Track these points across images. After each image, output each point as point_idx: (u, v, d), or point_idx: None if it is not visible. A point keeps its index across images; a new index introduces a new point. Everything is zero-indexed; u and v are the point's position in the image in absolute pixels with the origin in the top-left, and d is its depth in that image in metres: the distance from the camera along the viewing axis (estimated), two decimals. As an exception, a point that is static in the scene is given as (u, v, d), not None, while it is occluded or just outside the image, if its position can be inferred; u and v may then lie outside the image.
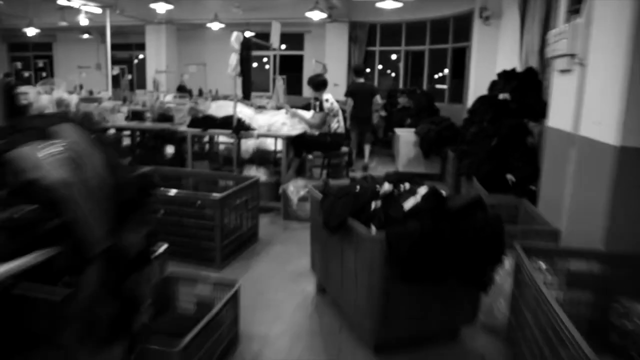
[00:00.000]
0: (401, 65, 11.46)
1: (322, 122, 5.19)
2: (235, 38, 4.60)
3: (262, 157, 6.05)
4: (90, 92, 8.84)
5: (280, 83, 6.37)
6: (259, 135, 4.93)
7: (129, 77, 12.74)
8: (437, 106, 9.08)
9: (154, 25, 12.59)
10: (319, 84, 5.35)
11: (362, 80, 7.63)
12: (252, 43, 4.89)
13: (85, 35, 13.48)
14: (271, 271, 3.61)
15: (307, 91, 12.98)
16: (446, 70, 10.71)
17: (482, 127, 5.18)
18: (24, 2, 11.05)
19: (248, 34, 11.54)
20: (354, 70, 7.94)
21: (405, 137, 7.19)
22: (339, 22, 11.24)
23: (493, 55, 7.45)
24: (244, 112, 5.83)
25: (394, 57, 11.93)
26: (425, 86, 10.81)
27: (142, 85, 13.15)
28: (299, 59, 12.54)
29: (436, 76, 11.40)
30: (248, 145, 5.67)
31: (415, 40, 11.27)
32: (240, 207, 3.79)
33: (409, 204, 2.29)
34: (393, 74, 12.29)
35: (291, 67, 12.04)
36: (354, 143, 7.32)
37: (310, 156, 6.14)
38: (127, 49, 14.37)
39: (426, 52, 10.89)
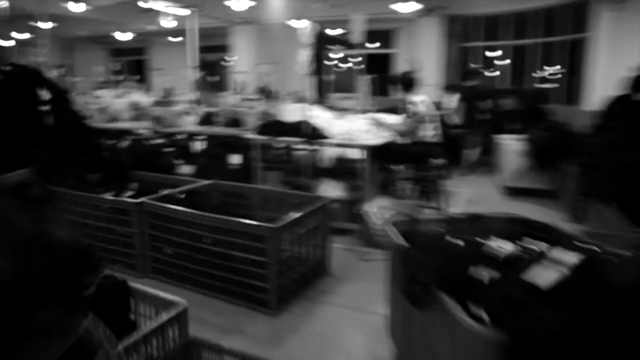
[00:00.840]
0: (503, 62, 10.15)
1: (411, 128, 4.33)
2: (307, 30, 3.91)
3: (342, 169, 5.33)
4: (165, 96, 8.69)
5: (365, 83, 5.59)
6: (337, 144, 4.20)
7: (216, 78, 12.65)
8: (547, 108, 7.74)
9: (239, 25, 12.40)
10: (408, 82, 4.49)
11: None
12: (328, 37, 4.15)
13: (174, 39, 13.68)
14: (341, 320, 2.86)
15: (394, 92, 12.11)
16: (557, 67, 9.24)
17: (621, 135, 4.01)
18: (114, 8, 11.32)
19: (331, 31, 10.92)
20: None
21: (511, 145, 6.06)
22: (432, 16, 10.19)
23: (627, 45, 6.08)
24: (321, 116, 5.15)
25: (491, 53, 10.61)
26: (529, 85, 9.43)
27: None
28: (389, 58, 11.65)
29: (543, 74, 9.93)
30: (328, 154, 4.98)
31: (520, 33, 9.89)
32: (306, 236, 3.08)
33: (546, 277, 1.40)
34: (494, 72, 10.97)
35: (380, 67, 11.18)
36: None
37: (399, 167, 5.34)
38: (216, 51, 14.41)
39: (535, 47, 9.49)
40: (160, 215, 3.15)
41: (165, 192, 3.48)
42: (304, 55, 4.01)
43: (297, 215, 3.00)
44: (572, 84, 8.87)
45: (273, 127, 4.45)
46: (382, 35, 11.61)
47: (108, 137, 5.36)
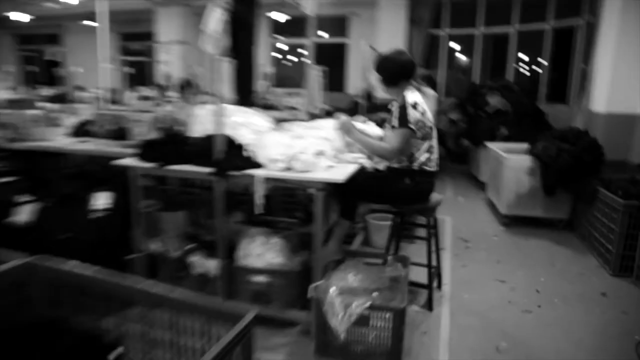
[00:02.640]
0: (477, 53, 8.70)
1: (400, 147, 2.63)
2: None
3: (285, 206, 3.58)
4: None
5: (314, 74, 3.85)
6: (272, 179, 2.43)
7: (132, 71, 10.47)
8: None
9: (163, 7, 10.34)
10: (397, 71, 2.74)
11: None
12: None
13: (93, 23, 11.41)
14: None
15: (352, 87, 10.54)
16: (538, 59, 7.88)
17: None
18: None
19: (281, 16, 9.11)
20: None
21: (514, 162, 4.51)
22: (395, -1, 8.60)
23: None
24: (253, 125, 3.41)
25: (455, 45, 9.16)
26: (511, 79, 8.02)
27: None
28: (342, 50, 9.97)
29: (525, 67, 8.56)
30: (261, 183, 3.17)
31: (497, 19, 8.49)
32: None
33: None
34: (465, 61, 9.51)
35: (333, 59, 9.48)
36: None
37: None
38: (143, 39, 12.24)
39: (512, 36, 8.09)
40: None
41: None
42: (213, 22, 2.23)
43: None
44: (558, 80, 7.52)
45: (163, 148, 2.62)
46: (337, 23, 9.93)
47: None
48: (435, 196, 2.84)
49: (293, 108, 7.31)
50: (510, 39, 8.13)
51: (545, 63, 7.59)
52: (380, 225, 3.84)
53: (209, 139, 2.55)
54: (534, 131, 5.77)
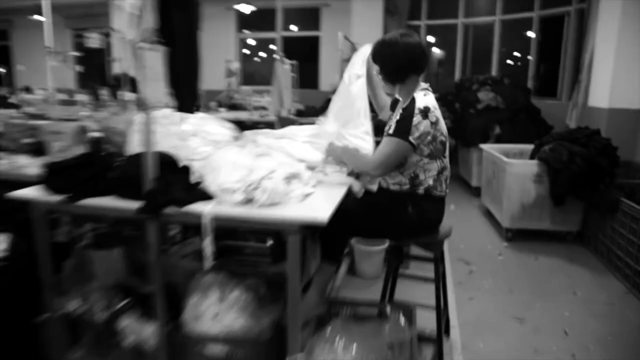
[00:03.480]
0: (458, 45, 8.14)
1: (384, 163, 1.96)
2: None
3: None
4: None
5: (284, 70, 3.15)
6: (221, 219, 1.73)
7: (81, 69, 9.50)
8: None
9: None
10: (404, 62, 2.02)
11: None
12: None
13: (41, 17, 10.41)
14: None
15: (325, 84, 9.84)
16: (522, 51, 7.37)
17: None
18: None
19: (246, 8, 8.34)
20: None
21: (518, 168, 3.91)
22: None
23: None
24: (209, 134, 2.75)
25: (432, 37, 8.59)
26: (495, 72, 7.49)
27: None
28: (314, 43, 9.27)
29: (511, 60, 8.05)
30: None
31: (479, 9, 7.97)
32: None
33: None
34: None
35: (304, 54, 8.77)
36: None
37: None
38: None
39: (496, 25, 7.55)
40: None
41: None
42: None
43: None
44: (548, 73, 7.03)
45: (76, 173, 1.89)
46: (308, 15, 9.24)
47: None
48: (444, 227, 2.19)
49: (263, 108, 6.60)
50: (495, 30, 7.59)
51: (531, 57, 7.08)
52: (369, 251, 3.18)
53: (138, 160, 1.82)
54: (529, 130, 5.23)
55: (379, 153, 2.00)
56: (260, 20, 9.26)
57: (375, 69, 2.10)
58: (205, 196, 1.79)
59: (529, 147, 4.60)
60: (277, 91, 3.77)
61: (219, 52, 8.80)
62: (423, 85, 2.03)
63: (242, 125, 6.52)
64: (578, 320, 2.78)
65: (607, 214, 3.48)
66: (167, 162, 1.90)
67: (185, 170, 1.96)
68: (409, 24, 8.23)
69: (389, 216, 2.04)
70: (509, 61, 8.00)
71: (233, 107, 7.24)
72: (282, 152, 2.25)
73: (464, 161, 5.86)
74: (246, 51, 10.07)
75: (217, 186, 1.78)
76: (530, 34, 7.12)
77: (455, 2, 8.01)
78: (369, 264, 3.22)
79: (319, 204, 1.77)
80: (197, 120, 2.83)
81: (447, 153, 2.04)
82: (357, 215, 2.02)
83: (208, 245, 1.68)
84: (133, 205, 1.75)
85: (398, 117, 1.98)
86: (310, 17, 9.33)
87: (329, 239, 2.05)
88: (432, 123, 1.92)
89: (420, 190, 2.00)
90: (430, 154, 1.96)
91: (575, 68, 5.92)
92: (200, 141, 2.72)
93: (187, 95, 1.92)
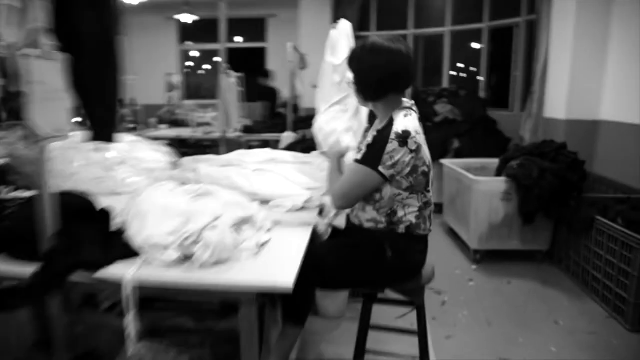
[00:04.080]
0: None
1: (345, 195, 1.61)
2: None
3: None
4: None
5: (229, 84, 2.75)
6: (147, 287, 1.31)
7: None
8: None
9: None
10: (386, 76, 1.64)
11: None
12: None
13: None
14: None
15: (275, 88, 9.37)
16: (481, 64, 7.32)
17: None
18: None
19: (188, 18, 7.84)
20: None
21: (486, 186, 3.68)
22: (318, -2, 7.69)
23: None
24: (140, 162, 2.36)
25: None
26: (446, 84, 7.39)
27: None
28: (260, 55, 8.89)
29: (462, 72, 8.00)
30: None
31: (429, 21, 7.87)
32: None
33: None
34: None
35: (251, 66, 8.36)
36: None
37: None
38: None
39: (446, 37, 7.47)
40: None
41: None
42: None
43: None
44: (497, 83, 7.01)
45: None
46: (254, 26, 8.87)
47: None
48: (427, 269, 1.85)
49: (207, 124, 6.12)
50: (445, 41, 7.51)
51: (482, 68, 7.03)
52: (332, 288, 2.79)
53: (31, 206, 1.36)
54: (487, 142, 5.07)
55: (343, 182, 1.64)
56: (204, 31, 8.80)
57: (348, 77, 1.75)
58: (129, 253, 1.35)
59: (490, 161, 4.42)
60: (222, 107, 3.36)
61: (159, 65, 8.24)
62: (406, 103, 1.70)
63: (184, 144, 5.99)
64: (567, 355, 2.52)
65: (581, 233, 3.29)
66: (77, 207, 1.44)
67: (104, 217, 1.51)
68: (358, 35, 8.01)
69: (361, 261, 1.67)
70: (458, 73, 7.95)
71: (175, 123, 6.72)
72: (229, 184, 1.84)
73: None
74: (190, 63, 9.54)
75: (143, 240, 1.35)
76: (477, 45, 7.08)
77: (404, 13, 7.88)
78: (332, 302, 2.84)
79: (279, 260, 1.37)
80: (125, 146, 2.38)
81: (430, 186, 1.70)
82: (325, 264, 1.64)
83: (131, 323, 1.24)
84: (26, 269, 1.29)
85: (370, 141, 1.63)
86: (256, 28, 8.96)
87: (293, 296, 1.66)
88: (411, 151, 1.58)
89: (400, 229, 1.65)
90: (410, 187, 1.62)
91: (526, 79, 5.87)
92: (129, 170, 2.27)
93: (102, 119, 1.48)
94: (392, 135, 1.55)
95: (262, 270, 1.29)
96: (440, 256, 3.98)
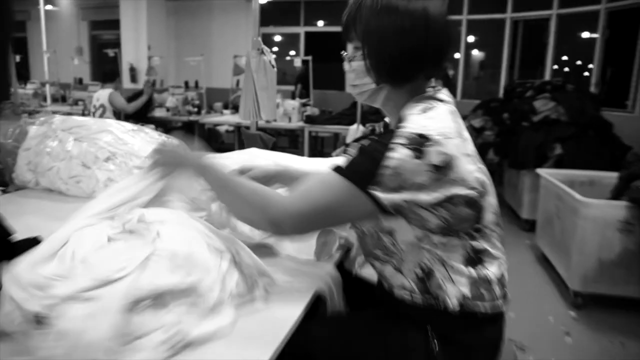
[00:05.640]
0: (505, 44, 6.98)
1: (303, 220, 0.92)
2: None
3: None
4: None
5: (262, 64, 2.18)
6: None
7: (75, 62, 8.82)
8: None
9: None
10: (421, 50, 0.95)
11: None
12: None
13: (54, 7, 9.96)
14: None
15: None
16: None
17: None
18: None
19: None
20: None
21: (598, 211, 2.79)
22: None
23: None
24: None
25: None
26: (548, 77, 6.32)
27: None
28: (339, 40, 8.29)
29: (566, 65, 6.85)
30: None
31: (530, 2, 6.80)
32: None
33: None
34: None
35: (332, 51, 7.83)
36: None
37: None
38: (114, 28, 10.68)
39: (552, 21, 6.37)
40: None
41: None
42: None
43: None
44: (613, 77, 5.84)
45: None
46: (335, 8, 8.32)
47: None
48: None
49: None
50: (551, 26, 6.41)
51: (595, 58, 5.88)
52: None
53: None
54: (600, 151, 4.08)
55: (311, 192, 0.95)
56: (284, 15, 8.48)
57: (348, 53, 1.09)
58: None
59: (603, 174, 3.51)
60: (245, 92, 2.78)
61: (237, 49, 8.01)
62: (429, 91, 1.01)
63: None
64: None
65: None
66: None
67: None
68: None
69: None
70: (561, 66, 6.81)
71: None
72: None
73: (511, 185, 4.73)
74: (274, 49, 9.22)
75: (10, 277, 0.80)
76: (586, 34, 5.92)
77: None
78: None
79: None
80: (119, 137, 1.92)
81: (489, 219, 0.99)
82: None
83: None
84: None
85: (365, 144, 0.93)
86: (337, 12, 8.39)
87: None
88: (436, 167, 0.88)
89: (450, 305, 0.96)
90: (446, 227, 0.93)
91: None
92: (115, 169, 1.80)
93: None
94: (400, 140, 0.88)
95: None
96: (528, 293, 3.16)
